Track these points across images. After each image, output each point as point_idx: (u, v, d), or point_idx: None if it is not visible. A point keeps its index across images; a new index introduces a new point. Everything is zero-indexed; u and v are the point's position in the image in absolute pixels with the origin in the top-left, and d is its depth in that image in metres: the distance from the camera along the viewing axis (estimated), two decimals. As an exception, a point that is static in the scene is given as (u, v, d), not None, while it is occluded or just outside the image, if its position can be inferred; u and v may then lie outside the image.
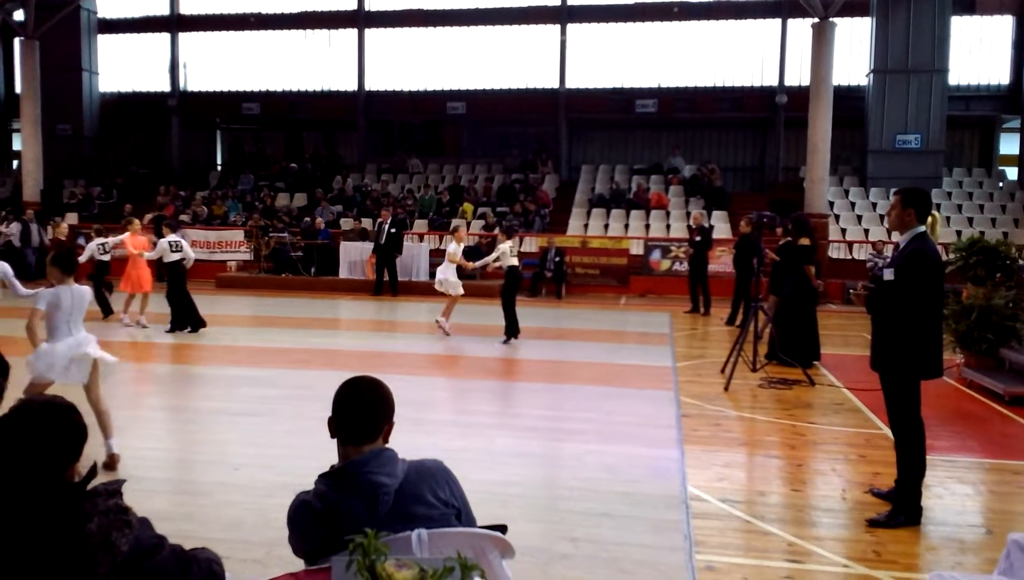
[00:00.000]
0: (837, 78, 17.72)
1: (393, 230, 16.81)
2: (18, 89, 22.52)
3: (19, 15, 21.65)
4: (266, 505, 4.57)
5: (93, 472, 2.00)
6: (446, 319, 11.37)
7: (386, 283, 16.83)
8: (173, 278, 11.29)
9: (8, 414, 1.96)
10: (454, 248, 11.41)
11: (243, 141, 25.79)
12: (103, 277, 12.80)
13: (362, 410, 2.33)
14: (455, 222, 18.04)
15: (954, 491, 5.19)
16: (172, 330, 11.14)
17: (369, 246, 17.63)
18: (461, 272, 11.55)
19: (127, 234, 12.01)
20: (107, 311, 12.60)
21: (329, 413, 2.36)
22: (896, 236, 4.71)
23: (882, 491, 4.94)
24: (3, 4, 21.46)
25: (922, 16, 19.82)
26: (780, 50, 22.27)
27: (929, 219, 4.94)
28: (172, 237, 11.46)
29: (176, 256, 11.30)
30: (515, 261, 10.92)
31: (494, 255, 11.25)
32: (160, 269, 12.52)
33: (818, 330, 9.64)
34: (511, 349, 10.47)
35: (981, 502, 5.16)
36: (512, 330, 10.84)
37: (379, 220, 17.54)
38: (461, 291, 11.54)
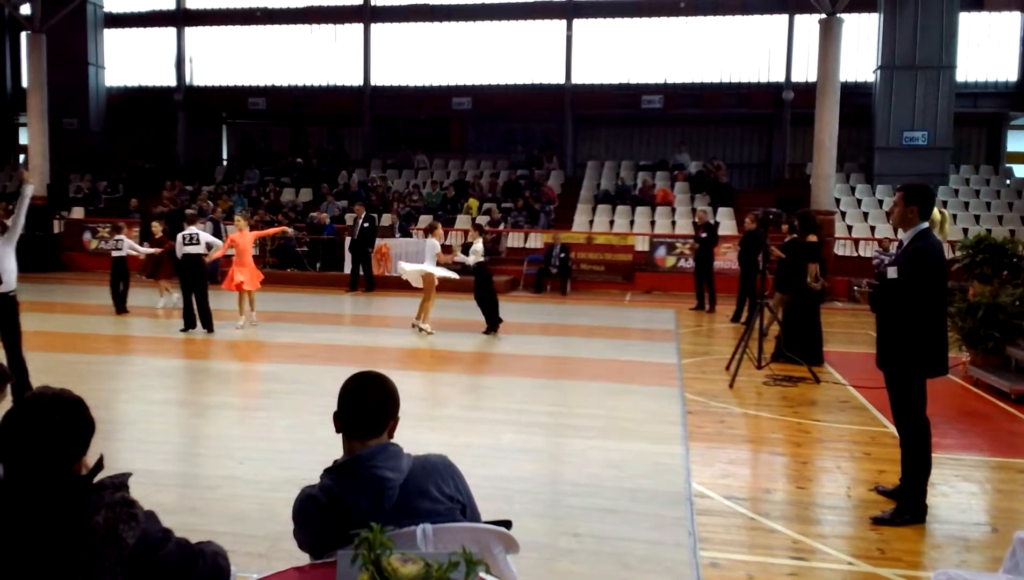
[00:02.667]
0: (844, 74, 17.65)
1: (366, 225, 16.79)
2: (25, 83, 22.55)
3: (26, 9, 21.68)
4: (271, 499, 4.59)
5: (100, 465, 2.01)
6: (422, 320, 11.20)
7: (362, 278, 16.76)
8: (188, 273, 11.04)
9: (17, 407, 1.97)
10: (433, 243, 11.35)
11: (254, 136, 25.84)
12: (123, 274, 12.88)
13: (368, 405, 2.33)
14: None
15: (959, 489, 5.18)
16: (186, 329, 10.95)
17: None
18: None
19: (235, 232, 11.72)
20: (120, 308, 12.63)
21: (334, 408, 2.36)
22: (901, 233, 4.69)
23: (887, 489, 4.94)
24: (10, -2, 21.51)
25: (930, 12, 19.71)
26: (787, 46, 22.18)
27: (937, 216, 4.91)
28: (191, 229, 11.14)
29: (190, 249, 11.03)
30: (482, 258, 11.32)
31: (472, 258, 11.25)
32: (175, 264, 12.27)
33: (821, 330, 9.59)
34: (515, 345, 10.46)
35: (987, 500, 5.16)
36: (493, 322, 11.14)
37: (354, 216, 17.56)
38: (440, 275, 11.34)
